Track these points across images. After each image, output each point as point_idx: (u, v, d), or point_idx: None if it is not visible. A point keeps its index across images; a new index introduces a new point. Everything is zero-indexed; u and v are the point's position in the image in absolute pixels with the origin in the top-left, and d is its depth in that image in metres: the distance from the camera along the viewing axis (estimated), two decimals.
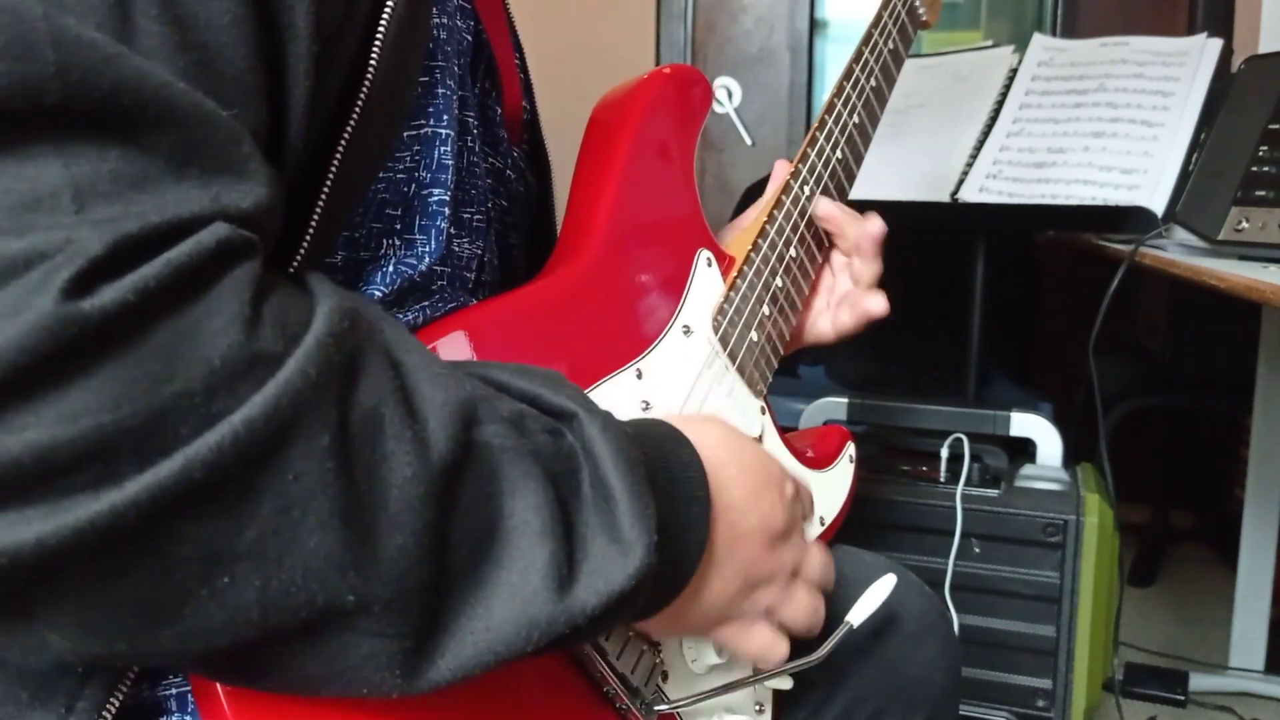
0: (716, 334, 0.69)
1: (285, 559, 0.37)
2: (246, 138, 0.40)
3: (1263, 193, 1.22)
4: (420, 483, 0.40)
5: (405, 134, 0.56)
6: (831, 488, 0.78)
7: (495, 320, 0.59)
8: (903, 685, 0.78)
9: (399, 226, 0.57)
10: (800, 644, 0.69)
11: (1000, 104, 1.70)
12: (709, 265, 0.71)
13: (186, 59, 0.38)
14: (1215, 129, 1.44)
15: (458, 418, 0.42)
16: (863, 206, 0.81)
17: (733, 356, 0.70)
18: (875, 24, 0.85)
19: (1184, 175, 1.45)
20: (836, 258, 0.80)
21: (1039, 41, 1.74)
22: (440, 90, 0.57)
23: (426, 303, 0.59)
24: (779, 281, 0.74)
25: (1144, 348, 2.29)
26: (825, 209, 0.77)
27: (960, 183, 1.63)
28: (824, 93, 2.71)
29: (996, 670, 1.39)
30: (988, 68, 1.76)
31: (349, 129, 0.48)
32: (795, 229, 0.76)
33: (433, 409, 0.41)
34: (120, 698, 0.45)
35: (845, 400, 1.57)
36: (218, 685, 0.43)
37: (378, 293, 0.56)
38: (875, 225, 0.77)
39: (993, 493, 1.40)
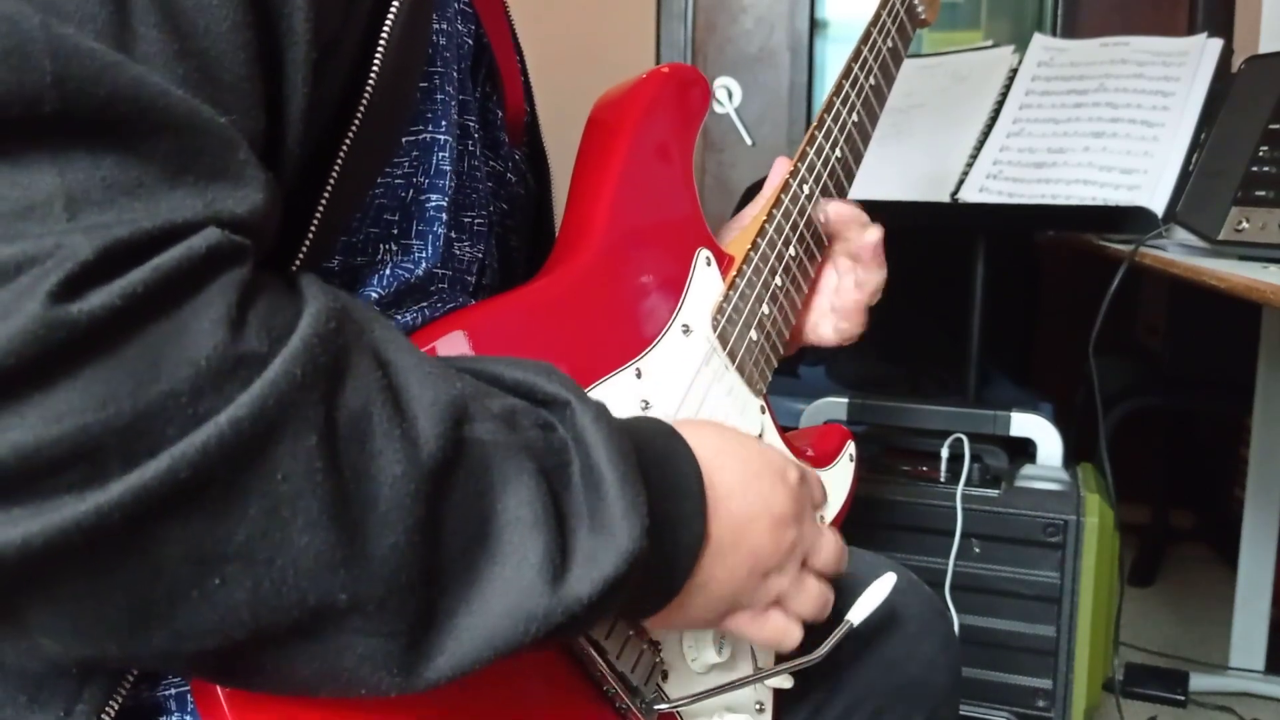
0: (716, 333, 0.69)
1: (276, 559, 0.37)
2: (243, 144, 0.40)
3: (1263, 193, 1.23)
4: (410, 481, 0.40)
5: (404, 140, 0.56)
6: (831, 487, 0.78)
7: (494, 320, 0.59)
8: (903, 685, 0.78)
9: (396, 232, 0.57)
10: (801, 643, 0.69)
11: (1000, 104, 1.70)
12: (708, 264, 0.71)
13: (186, 66, 0.39)
14: (1215, 129, 1.44)
15: (448, 415, 0.42)
16: (863, 206, 0.81)
17: (732, 355, 0.70)
18: (874, 22, 0.85)
19: (1184, 175, 1.45)
20: (841, 260, 0.80)
21: (1039, 41, 1.74)
22: (439, 96, 0.57)
23: (425, 304, 0.59)
24: (778, 280, 0.74)
25: (1144, 348, 2.29)
26: (835, 210, 0.76)
27: (960, 183, 1.63)
28: (824, 93, 2.71)
29: (996, 670, 1.39)
30: (988, 68, 1.76)
31: (350, 135, 0.48)
32: (795, 228, 0.76)
33: (422, 407, 0.41)
34: (120, 699, 0.45)
35: (845, 400, 1.57)
36: (218, 685, 0.43)
37: (374, 294, 0.56)
38: (871, 234, 0.76)
39: (993, 493, 1.40)
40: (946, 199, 1.62)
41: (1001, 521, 1.38)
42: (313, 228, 0.48)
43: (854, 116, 0.81)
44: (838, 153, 0.79)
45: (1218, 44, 1.56)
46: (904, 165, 1.68)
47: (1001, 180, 1.60)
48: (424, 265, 0.57)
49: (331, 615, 0.39)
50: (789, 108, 2.70)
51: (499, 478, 0.43)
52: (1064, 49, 1.71)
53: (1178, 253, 1.33)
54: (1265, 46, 1.81)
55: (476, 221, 0.64)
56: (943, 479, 1.44)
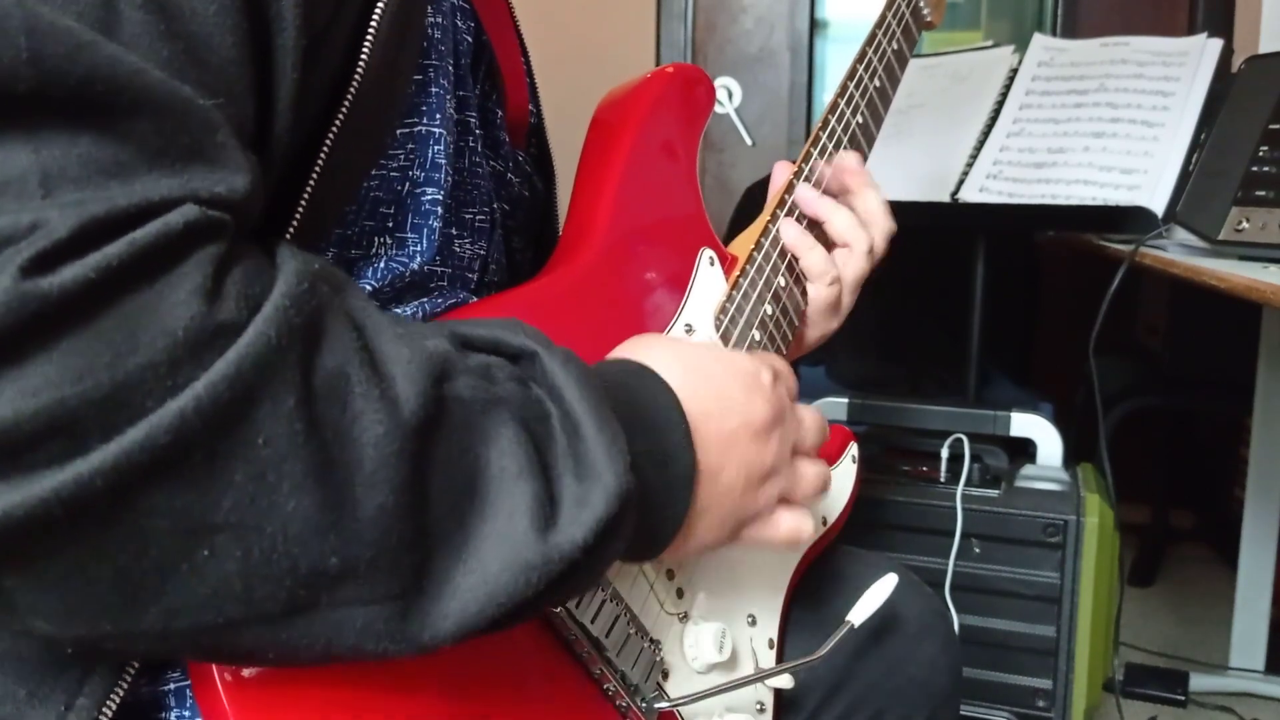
0: (719, 332, 0.69)
1: (264, 526, 0.37)
2: (224, 126, 0.40)
3: (1263, 193, 1.23)
4: (393, 440, 0.40)
5: (399, 132, 0.56)
6: (834, 488, 0.78)
7: (496, 316, 0.59)
8: (903, 685, 0.78)
9: (391, 225, 0.57)
10: (801, 645, 0.69)
11: (1000, 104, 1.70)
12: (711, 264, 0.71)
13: (171, 48, 0.39)
14: (1215, 129, 1.44)
15: (425, 374, 0.42)
16: None
17: None
18: (879, 24, 0.85)
19: (1184, 175, 1.45)
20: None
21: (1039, 41, 1.74)
22: (434, 89, 0.57)
23: (425, 299, 0.59)
24: (781, 281, 0.74)
25: (1144, 348, 2.29)
26: (789, 234, 0.75)
27: (960, 183, 1.63)
28: (824, 93, 2.71)
29: (997, 670, 1.39)
30: (988, 68, 1.76)
31: (337, 123, 0.48)
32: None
33: (399, 367, 0.41)
34: (120, 694, 0.45)
35: (845, 400, 1.57)
36: (217, 680, 0.43)
37: (369, 287, 0.56)
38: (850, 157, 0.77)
39: (993, 493, 1.40)
40: (946, 199, 1.62)
41: (1001, 521, 1.38)
42: (297, 215, 0.48)
43: (858, 118, 0.81)
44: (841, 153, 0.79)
45: (1218, 44, 1.56)
46: (904, 165, 1.68)
47: (1001, 180, 1.60)
48: (419, 259, 0.57)
49: (324, 583, 0.39)
50: (789, 108, 2.70)
51: (481, 433, 0.43)
52: (1064, 49, 1.71)
53: (1178, 253, 1.33)
54: (1265, 46, 1.81)
55: (478, 218, 0.64)
56: (943, 479, 1.44)
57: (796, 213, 0.76)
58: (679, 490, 0.51)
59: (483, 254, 0.64)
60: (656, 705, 0.61)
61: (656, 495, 0.49)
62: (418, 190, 0.57)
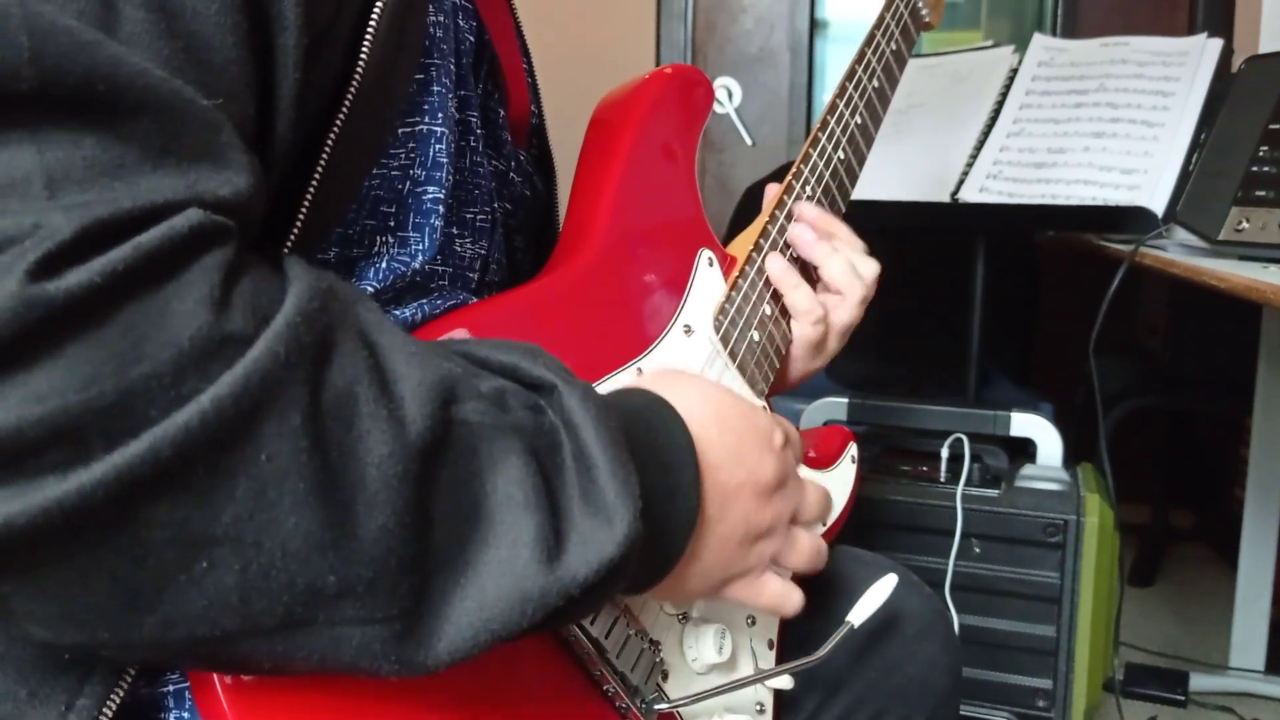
0: (718, 333, 0.69)
1: (263, 541, 0.37)
2: (227, 126, 0.40)
3: (1263, 193, 1.23)
4: (398, 461, 0.39)
5: (400, 131, 0.56)
6: (833, 488, 0.78)
7: (495, 317, 0.59)
8: (903, 685, 0.78)
9: (393, 224, 0.57)
10: (801, 644, 0.69)
11: (1000, 104, 1.70)
12: (710, 265, 0.71)
13: (172, 47, 0.38)
14: (1215, 129, 1.44)
15: (435, 396, 0.42)
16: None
17: (733, 355, 0.70)
18: (878, 24, 0.85)
19: (1184, 175, 1.45)
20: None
21: (1039, 41, 1.74)
22: (435, 88, 0.57)
23: (425, 300, 0.59)
24: None
25: (1144, 348, 2.29)
26: (774, 268, 0.74)
27: (960, 183, 1.63)
28: (824, 93, 2.71)
29: (996, 670, 1.39)
30: (988, 68, 1.76)
31: (338, 122, 0.48)
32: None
33: (408, 387, 0.41)
34: (120, 695, 0.45)
35: (845, 400, 1.57)
36: (216, 683, 0.43)
37: (370, 287, 0.56)
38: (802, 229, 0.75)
39: (993, 493, 1.40)
40: (947, 199, 1.62)
41: (1001, 521, 1.38)
42: (301, 215, 0.48)
43: (857, 118, 0.81)
44: (840, 154, 0.79)
45: (1218, 44, 1.56)
46: (904, 165, 1.68)
47: (1002, 180, 1.60)
48: (420, 258, 0.57)
49: (321, 601, 0.39)
50: (789, 108, 2.70)
51: (488, 459, 0.43)
52: (1064, 49, 1.71)
53: (1178, 253, 1.33)
54: (1265, 46, 1.81)
55: (479, 218, 0.64)
56: (943, 479, 1.44)
57: (783, 245, 0.75)
58: (678, 533, 0.51)
59: (484, 254, 0.64)
60: (656, 706, 0.60)
61: (657, 533, 0.49)
62: (419, 189, 0.57)
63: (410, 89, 0.56)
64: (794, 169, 0.77)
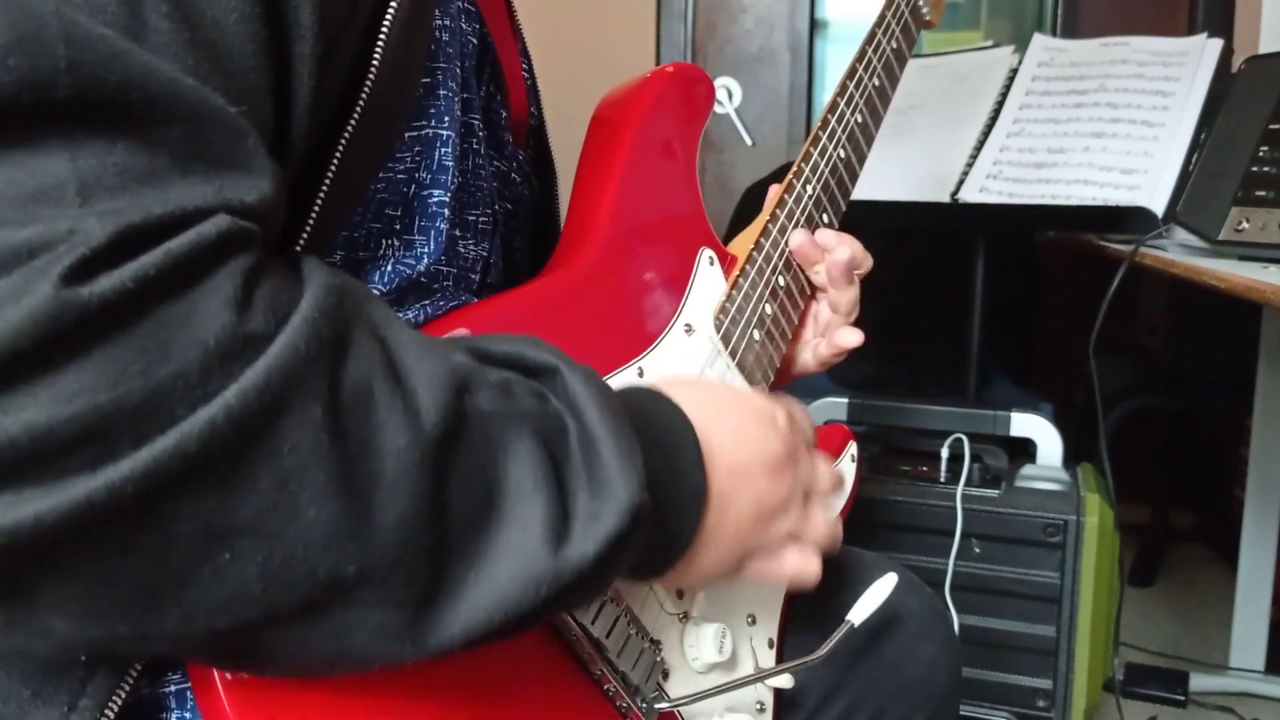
0: (719, 332, 0.69)
1: (285, 531, 0.38)
2: (252, 133, 0.40)
3: (1263, 193, 1.23)
4: (414, 451, 0.40)
5: (406, 134, 0.56)
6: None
7: (497, 317, 0.59)
8: (903, 685, 0.78)
9: (398, 227, 0.57)
10: (801, 644, 0.69)
11: (1000, 104, 1.70)
12: (711, 264, 0.71)
13: (195, 55, 0.39)
14: (1215, 129, 1.44)
15: (447, 387, 0.42)
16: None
17: (734, 354, 0.70)
18: (879, 23, 0.85)
19: (1184, 175, 1.45)
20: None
21: (1039, 41, 1.74)
22: (442, 92, 0.58)
23: (428, 301, 0.59)
24: (781, 280, 0.74)
25: (1144, 348, 2.29)
26: (797, 241, 0.76)
27: (960, 183, 1.63)
28: (824, 93, 2.71)
29: (996, 670, 1.39)
30: (988, 68, 1.76)
31: (349, 128, 0.48)
32: (798, 228, 0.76)
33: (421, 380, 0.42)
34: (122, 695, 0.45)
35: (845, 400, 1.57)
36: (217, 682, 0.43)
37: (377, 290, 0.56)
38: (841, 253, 0.76)
39: (993, 493, 1.40)
40: (947, 199, 1.62)
41: (1001, 521, 1.38)
42: (311, 219, 0.48)
43: (857, 117, 0.81)
44: (841, 152, 0.79)
45: (1218, 44, 1.56)
46: (904, 165, 1.68)
47: (1002, 180, 1.60)
48: (426, 260, 0.58)
49: (340, 588, 0.39)
50: (789, 108, 2.70)
51: (499, 446, 0.44)
52: (1064, 49, 1.71)
53: (1178, 253, 1.33)
54: (1265, 46, 1.81)
55: (481, 220, 0.64)
56: (943, 479, 1.44)
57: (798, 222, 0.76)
58: (688, 511, 0.51)
59: (485, 255, 0.65)
60: (657, 706, 0.61)
61: (666, 514, 0.49)
62: (424, 192, 0.58)
63: (417, 93, 0.56)
64: (795, 167, 0.77)
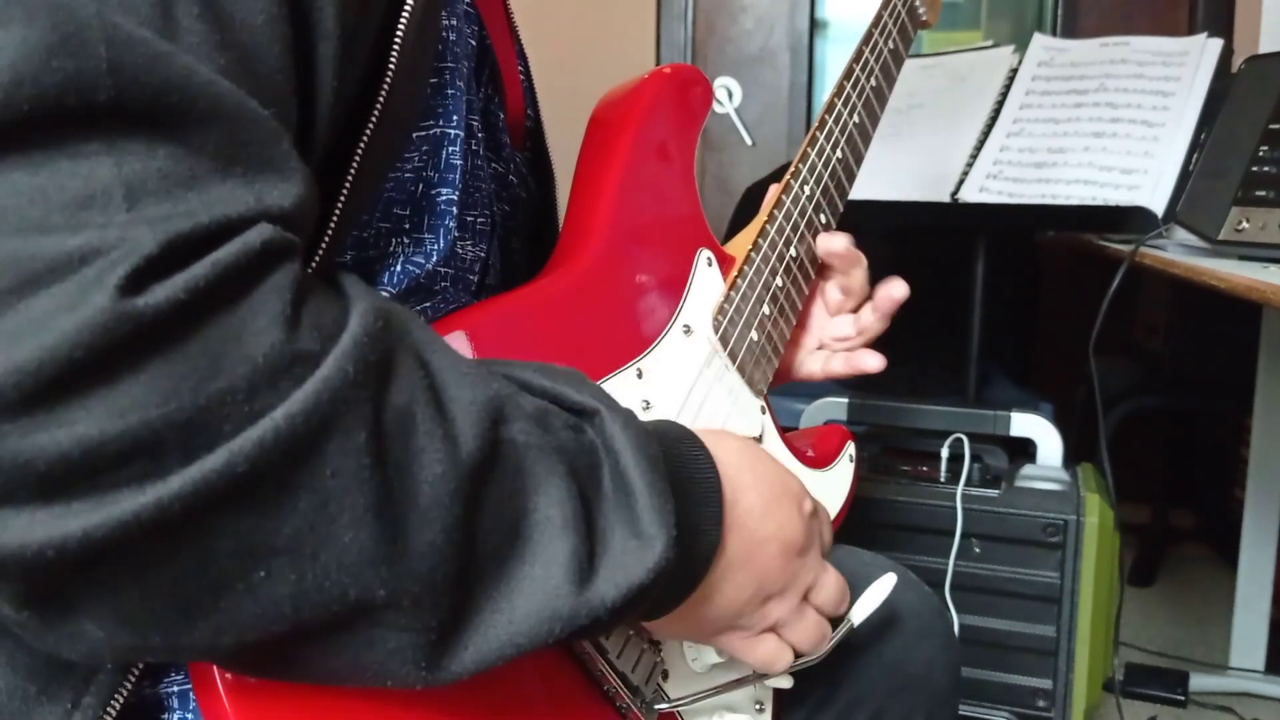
0: (717, 333, 0.69)
1: (321, 554, 0.38)
2: (285, 136, 0.40)
3: (1263, 193, 1.23)
4: (450, 480, 0.40)
5: (415, 134, 0.56)
6: (831, 487, 0.78)
7: (496, 319, 0.59)
8: (903, 685, 0.78)
9: (407, 226, 0.57)
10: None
11: (1000, 104, 1.70)
12: (709, 265, 0.71)
13: (227, 57, 0.39)
14: (1215, 129, 1.44)
15: (485, 416, 0.43)
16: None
17: (733, 356, 0.70)
18: (875, 24, 0.85)
19: (1184, 175, 1.45)
20: (830, 294, 0.80)
21: (1039, 41, 1.74)
22: (450, 91, 0.58)
23: (429, 303, 0.59)
24: (779, 281, 0.74)
25: (1144, 348, 2.29)
26: (832, 245, 0.76)
27: (960, 183, 1.63)
28: (824, 93, 2.71)
29: (996, 670, 1.39)
30: (988, 68, 1.76)
31: (369, 129, 0.48)
32: (795, 229, 0.76)
33: (461, 408, 0.42)
34: (124, 694, 0.45)
35: (845, 400, 1.57)
36: (218, 682, 0.43)
37: (386, 292, 0.56)
38: (899, 289, 0.77)
39: (993, 493, 1.40)
40: (946, 199, 1.62)
41: (1001, 521, 1.38)
42: (333, 222, 0.48)
43: (855, 117, 0.81)
44: (838, 153, 0.80)
45: (1218, 44, 1.56)
46: (904, 165, 1.68)
47: (1001, 180, 1.60)
48: (434, 259, 0.58)
49: (368, 610, 0.40)
50: (789, 108, 2.70)
51: (532, 479, 0.44)
52: (1064, 49, 1.71)
53: (1178, 253, 1.33)
54: (1265, 46, 1.81)
55: (479, 221, 0.64)
56: (943, 479, 1.44)
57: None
58: (696, 565, 0.51)
59: (483, 257, 0.65)
60: (656, 706, 0.61)
61: (677, 564, 0.49)
62: (432, 191, 0.58)
63: (427, 93, 0.56)
64: (792, 168, 0.77)
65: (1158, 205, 1.44)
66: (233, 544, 0.36)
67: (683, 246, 0.70)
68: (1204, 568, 2.39)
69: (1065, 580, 1.36)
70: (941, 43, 2.64)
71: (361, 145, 0.48)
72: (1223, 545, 2.25)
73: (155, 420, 0.34)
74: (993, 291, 1.64)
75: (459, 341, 0.56)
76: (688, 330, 0.68)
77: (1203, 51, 1.56)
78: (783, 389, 0.79)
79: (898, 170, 1.68)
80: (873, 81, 0.83)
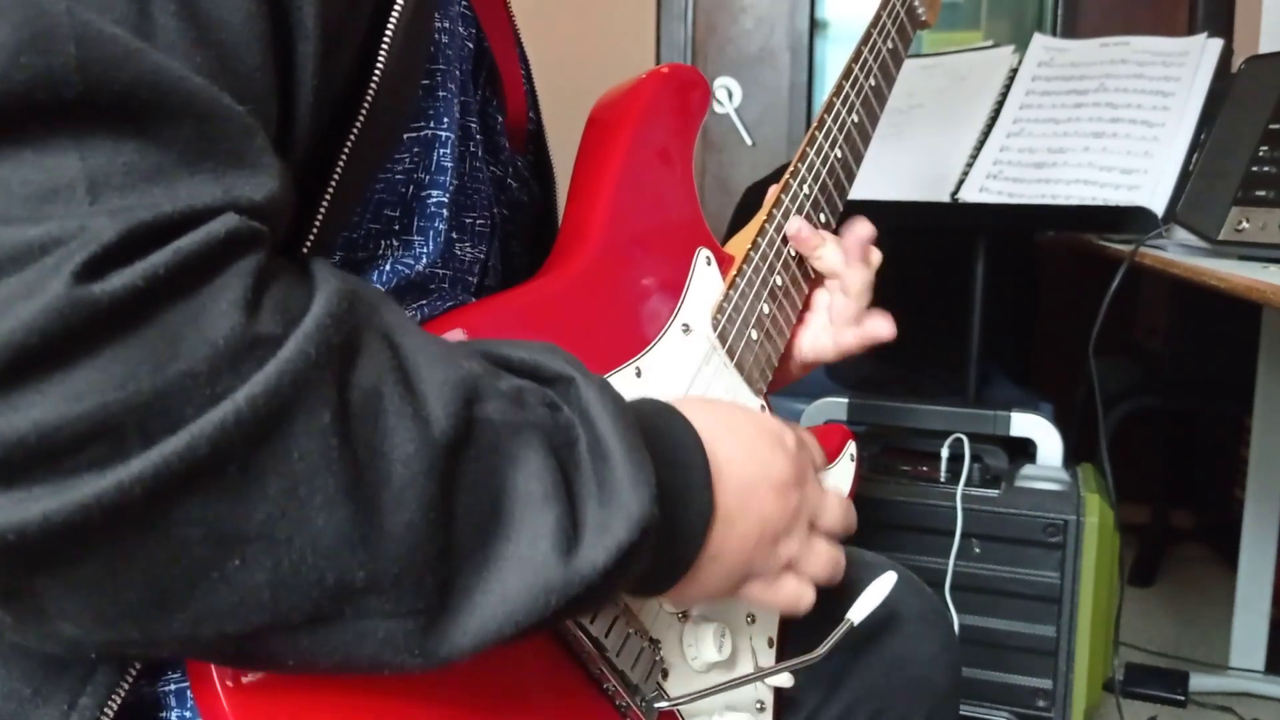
0: (716, 332, 0.69)
1: (295, 538, 0.38)
2: (260, 132, 0.40)
3: (1263, 193, 1.23)
4: (423, 459, 0.40)
5: (405, 136, 0.56)
6: (832, 488, 0.78)
7: (493, 317, 0.59)
8: (903, 685, 0.78)
9: (397, 228, 0.57)
10: (801, 642, 0.69)
11: (1000, 104, 1.70)
12: (708, 264, 0.71)
13: (203, 55, 0.39)
14: (1215, 129, 1.44)
15: (458, 395, 0.43)
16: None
17: (732, 354, 0.70)
18: (874, 24, 0.85)
19: (1184, 175, 1.45)
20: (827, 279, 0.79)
21: (1039, 41, 1.74)
22: (441, 93, 0.58)
23: (425, 302, 0.59)
24: (778, 279, 0.74)
25: (1144, 348, 2.29)
26: (794, 228, 0.75)
27: (960, 183, 1.63)
28: (824, 93, 2.71)
29: (996, 670, 1.39)
30: (988, 68, 1.76)
31: (355, 130, 0.48)
32: None
33: (432, 387, 0.42)
34: (122, 694, 0.45)
35: (845, 400, 1.57)
36: (216, 682, 0.43)
37: None
38: (863, 228, 0.76)
39: (993, 493, 1.40)
40: (946, 199, 1.62)
41: (1001, 521, 1.38)
42: (318, 221, 0.48)
43: (854, 117, 0.81)
44: (837, 153, 0.80)
45: (1218, 44, 1.56)
46: (904, 165, 1.69)
47: (1001, 180, 1.60)
48: (424, 261, 0.58)
49: (349, 596, 0.40)
50: (789, 108, 2.70)
51: (509, 455, 0.44)
52: (1064, 49, 1.71)
53: (1178, 253, 1.33)
54: (1265, 46, 1.81)
55: (478, 222, 0.64)
56: (943, 479, 1.44)
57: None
58: (694, 530, 0.52)
59: (482, 258, 0.65)
60: (656, 705, 0.61)
61: (673, 532, 0.50)
62: (423, 193, 0.58)
63: (417, 94, 0.56)
64: (791, 168, 0.77)
65: (1158, 205, 1.44)
66: (203, 532, 0.36)
67: (681, 246, 0.70)
68: (1204, 568, 2.39)
69: (1065, 580, 1.36)
70: (941, 43, 2.64)
71: (348, 144, 0.48)
72: (1223, 545, 2.25)
73: (113, 404, 0.34)
74: (993, 291, 1.64)
75: (455, 340, 0.56)
76: (686, 329, 0.68)
77: (1203, 51, 1.56)
78: (783, 389, 0.79)
79: (898, 170, 1.68)
80: (872, 81, 0.83)
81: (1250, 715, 1.73)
